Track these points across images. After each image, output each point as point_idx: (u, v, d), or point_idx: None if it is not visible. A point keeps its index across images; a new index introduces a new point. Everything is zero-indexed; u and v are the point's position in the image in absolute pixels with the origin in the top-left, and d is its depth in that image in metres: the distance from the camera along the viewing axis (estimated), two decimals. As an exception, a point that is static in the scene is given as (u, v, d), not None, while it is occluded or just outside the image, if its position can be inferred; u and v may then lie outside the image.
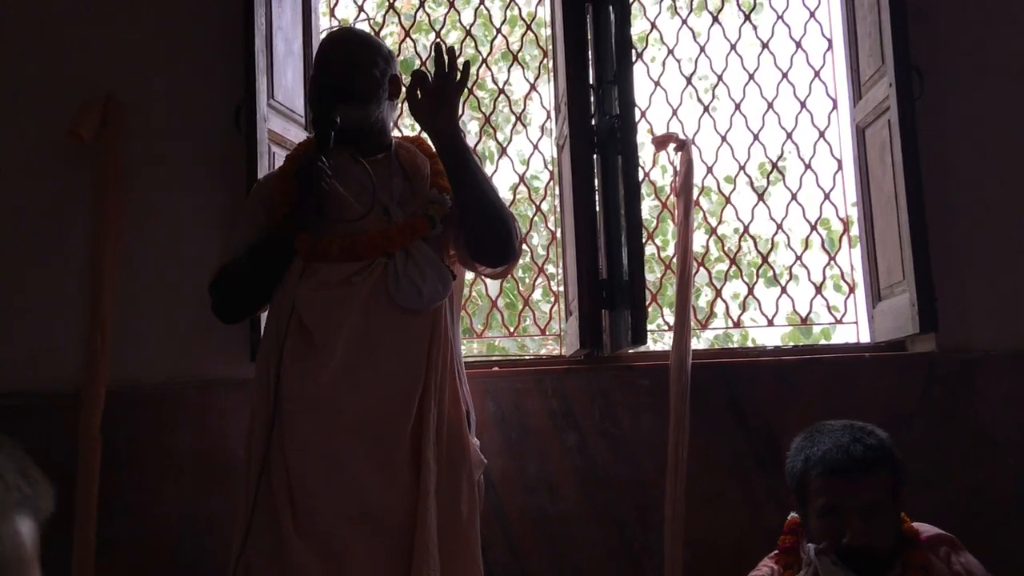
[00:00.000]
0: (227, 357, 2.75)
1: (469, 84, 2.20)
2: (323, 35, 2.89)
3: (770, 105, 3.38)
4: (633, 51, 2.78)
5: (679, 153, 3.03)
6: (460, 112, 2.12)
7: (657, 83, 3.39)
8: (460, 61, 2.03)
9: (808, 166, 3.33)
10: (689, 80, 3.43)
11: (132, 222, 2.85)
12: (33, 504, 0.71)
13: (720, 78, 3.40)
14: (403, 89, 2.16)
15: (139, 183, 2.88)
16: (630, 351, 2.82)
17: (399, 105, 2.24)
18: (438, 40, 2.05)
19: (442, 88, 2.02)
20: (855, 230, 3.24)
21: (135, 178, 2.88)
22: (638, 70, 3.03)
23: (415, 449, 1.97)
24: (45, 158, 2.91)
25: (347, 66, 2.11)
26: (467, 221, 2.07)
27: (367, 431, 1.96)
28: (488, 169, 3.81)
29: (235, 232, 2.21)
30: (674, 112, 3.38)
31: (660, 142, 3.15)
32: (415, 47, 3.50)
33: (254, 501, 1.93)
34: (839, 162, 3.29)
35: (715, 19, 3.46)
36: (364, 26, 3.64)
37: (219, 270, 2.13)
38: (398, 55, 2.60)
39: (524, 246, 2.59)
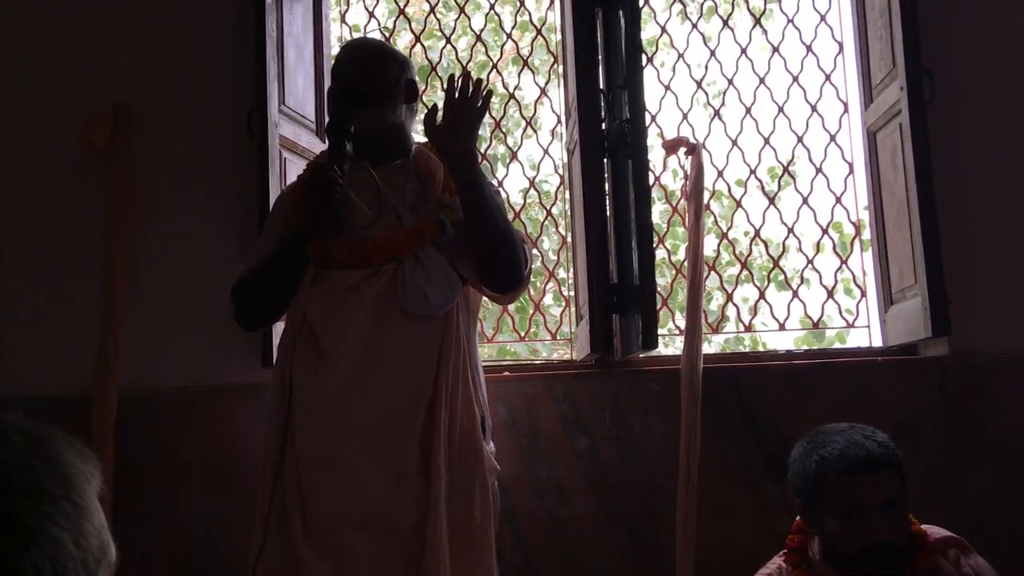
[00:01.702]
0: (240, 363, 2.76)
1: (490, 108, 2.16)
2: (335, 42, 2.90)
3: (780, 109, 3.37)
4: (643, 56, 2.78)
5: (690, 157, 3.03)
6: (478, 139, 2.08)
7: (667, 87, 3.39)
8: (484, 89, 1.99)
9: (819, 170, 3.32)
10: (700, 84, 3.43)
11: (144, 228, 2.87)
12: (97, 481, 0.71)
13: (731, 82, 3.40)
14: (421, 95, 2.16)
15: (151, 190, 2.90)
16: (641, 355, 2.82)
17: (417, 110, 2.24)
18: (464, 71, 2.02)
19: (462, 115, 1.97)
20: (867, 234, 3.23)
21: (147, 185, 2.89)
22: (648, 75, 3.03)
23: (425, 455, 1.96)
24: (58, 166, 2.92)
25: (360, 72, 2.11)
26: (476, 247, 2.05)
27: (373, 436, 1.95)
28: (499, 174, 3.81)
29: (258, 242, 2.23)
30: (684, 116, 3.38)
31: (670, 146, 3.15)
32: (426, 53, 3.52)
33: (269, 508, 1.94)
34: (850, 166, 3.29)
35: (725, 23, 3.46)
36: (375, 33, 3.66)
37: (238, 279, 2.14)
38: (409, 61, 2.61)
39: (535, 251, 2.59)
